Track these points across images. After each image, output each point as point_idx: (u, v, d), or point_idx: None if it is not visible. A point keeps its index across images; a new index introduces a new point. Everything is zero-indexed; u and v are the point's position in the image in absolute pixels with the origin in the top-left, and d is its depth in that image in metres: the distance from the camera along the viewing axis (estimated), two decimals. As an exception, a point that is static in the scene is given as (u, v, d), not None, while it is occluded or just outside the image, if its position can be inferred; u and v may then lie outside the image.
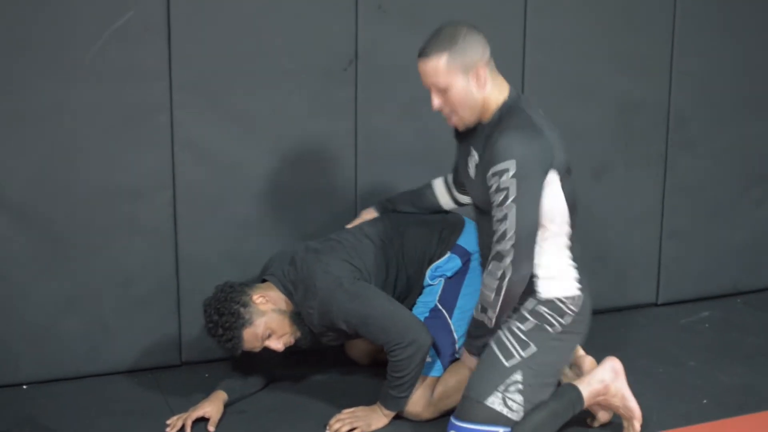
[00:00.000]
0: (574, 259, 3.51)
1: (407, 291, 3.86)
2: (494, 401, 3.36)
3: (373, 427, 3.64)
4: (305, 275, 3.68)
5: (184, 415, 3.66)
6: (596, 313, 4.73)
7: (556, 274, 3.47)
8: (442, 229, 3.94)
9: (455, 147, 3.76)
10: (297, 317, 3.71)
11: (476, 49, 3.33)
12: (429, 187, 4.01)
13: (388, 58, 4.26)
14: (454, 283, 3.85)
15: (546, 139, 3.32)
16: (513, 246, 3.27)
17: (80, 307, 4.01)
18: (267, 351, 3.83)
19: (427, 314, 3.79)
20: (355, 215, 4.26)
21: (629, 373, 3.62)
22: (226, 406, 3.76)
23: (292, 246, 3.92)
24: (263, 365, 3.93)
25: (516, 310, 3.47)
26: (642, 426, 3.57)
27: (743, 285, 5.19)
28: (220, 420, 3.68)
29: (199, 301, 4.08)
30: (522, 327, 3.44)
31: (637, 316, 4.86)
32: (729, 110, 4.96)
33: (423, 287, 3.90)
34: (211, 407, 3.69)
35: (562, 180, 3.38)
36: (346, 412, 3.66)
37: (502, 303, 3.34)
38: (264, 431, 3.65)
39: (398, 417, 3.71)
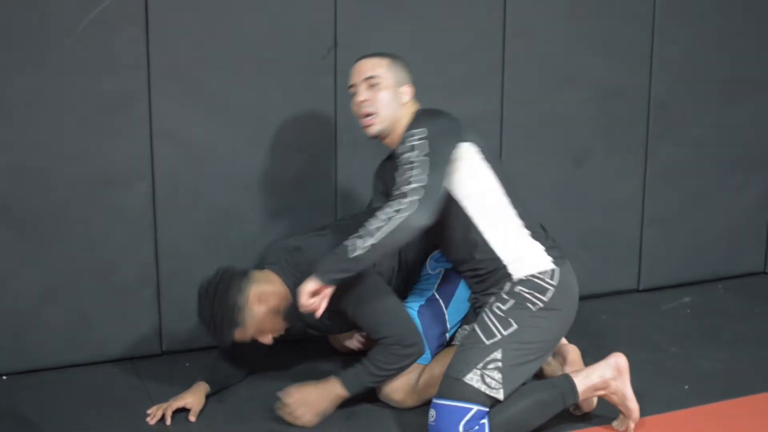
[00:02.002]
0: (536, 236, 3.55)
1: (407, 275, 3.87)
2: (472, 378, 3.35)
3: (308, 416, 3.58)
4: (313, 258, 3.58)
5: (164, 405, 3.64)
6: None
7: (523, 253, 3.51)
8: None
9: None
10: (292, 311, 3.64)
11: (407, 73, 3.67)
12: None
13: (368, 45, 4.22)
14: (453, 273, 3.86)
15: (451, 115, 3.53)
16: (421, 188, 3.29)
17: (59, 296, 3.99)
18: (249, 344, 3.84)
19: (423, 302, 3.81)
20: (336, 203, 4.26)
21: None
22: (208, 396, 3.75)
23: (272, 234, 3.92)
24: (245, 356, 3.91)
25: (496, 294, 3.49)
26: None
27: (724, 271, 5.21)
28: (201, 411, 3.67)
29: (179, 291, 4.10)
30: (503, 307, 3.45)
31: (619, 302, 4.87)
32: (709, 97, 4.96)
33: (422, 275, 3.92)
34: (193, 398, 3.68)
35: (487, 159, 3.52)
36: (295, 394, 3.59)
37: (383, 238, 3.28)
38: (244, 421, 3.64)
39: (382, 404, 3.72)
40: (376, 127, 3.59)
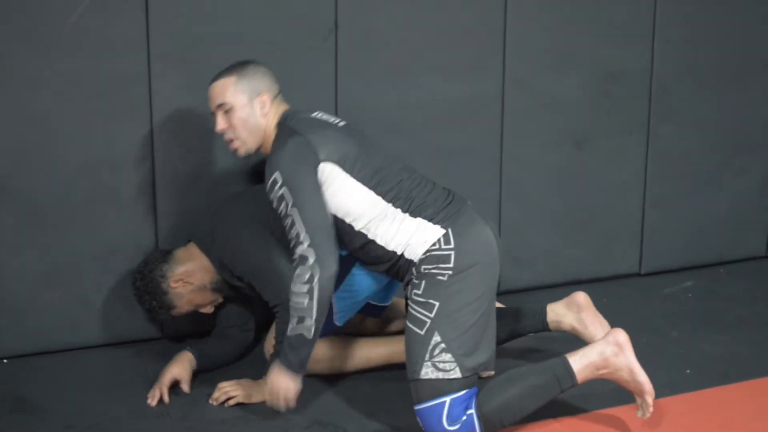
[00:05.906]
0: (416, 212, 3.46)
1: None
2: (427, 372, 3.31)
3: (254, 399, 3.63)
4: (230, 237, 3.76)
5: (158, 385, 3.67)
6: (579, 283, 4.76)
7: (408, 237, 3.43)
8: None
9: None
10: (219, 284, 3.83)
11: (263, 80, 3.58)
12: None
13: (369, 27, 4.23)
14: None
15: (301, 137, 3.43)
16: (310, 246, 3.33)
17: (61, 280, 3.99)
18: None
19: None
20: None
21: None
22: (198, 372, 3.78)
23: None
24: (237, 339, 3.98)
25: (408, 282, 3.46)
26: (634, 397, 3.51)
27: (726, 254, 5.20)
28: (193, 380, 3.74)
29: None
30: (419, 291, 3.39)
31: (620, 286, 4.86)
32: (711, 79, 4.95)
33: None
34: (178, 368, 3.72)
35: (347, 166, 3.45)
36: (228, 383, 3.67)
37: (317, 307, 3.34)
38: (241, 404, 3.63)
39: (368, 376, 3.73)
40: (242, 149, 3.60)
